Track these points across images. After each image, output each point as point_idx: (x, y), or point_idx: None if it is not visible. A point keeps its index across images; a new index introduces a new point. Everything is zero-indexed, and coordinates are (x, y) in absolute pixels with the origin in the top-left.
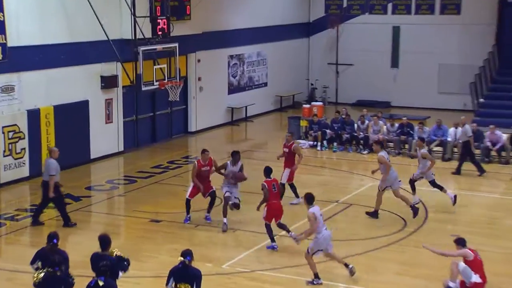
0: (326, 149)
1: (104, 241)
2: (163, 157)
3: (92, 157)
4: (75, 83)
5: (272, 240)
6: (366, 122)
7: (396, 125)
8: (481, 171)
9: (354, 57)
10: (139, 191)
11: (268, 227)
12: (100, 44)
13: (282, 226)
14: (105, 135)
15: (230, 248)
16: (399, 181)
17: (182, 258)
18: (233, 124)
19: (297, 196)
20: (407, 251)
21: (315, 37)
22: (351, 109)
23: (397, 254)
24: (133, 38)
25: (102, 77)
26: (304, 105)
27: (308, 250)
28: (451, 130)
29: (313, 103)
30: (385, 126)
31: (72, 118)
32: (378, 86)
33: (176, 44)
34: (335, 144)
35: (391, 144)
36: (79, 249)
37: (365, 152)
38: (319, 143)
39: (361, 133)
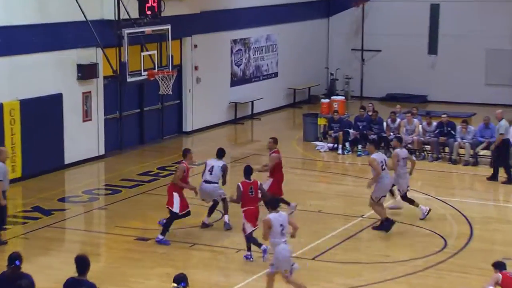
0: (349, 153)
1: (82, 263)
2: (152, 162)
3: (66, 162)
4: (46, 73)
5: (259, 246)
6: (398, 120)
7: (434, 124)
8: (494, 177)
9: (383, 42)
10: (123, 203)
11: (250, 236)
12: (76, 25)
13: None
14: (83, 136)
15: (232, 272)
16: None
17: (175, 285)
18: (236, 122)
19: (287, 203)
20: (446, 277)
21: (336, 17)
22: (379, 104)
23: (434, 280)
24: (117, 18)
25: (78, 65)
26: (323, 100)
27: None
28: None
29: (334, 97)
30: (420, 125)
31: (43, 115)
32: (412, 77)
33: (169, 26)
34: (359, 146)
35: (428, 147)
36: (50, 273)
37: None
38: (340, 146)
39: (391, 133)
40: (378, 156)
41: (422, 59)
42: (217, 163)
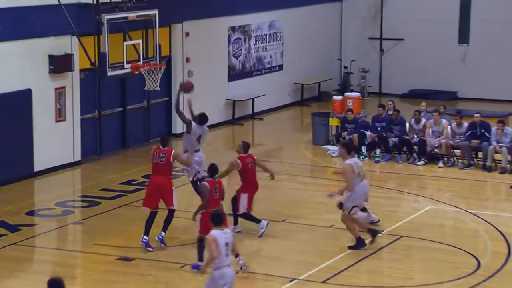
0: (366, 159)
1: (55, 287)
2: (136, 169)
3: (36, 169)
4: (12, 66)
5: (201, 259)
6: (423, 120)
7: (465, 124)
8: None
9: (405, 29)
10: (102, 217)
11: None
12: (48, 10)
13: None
14: (55, 139)
15: None
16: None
17: None
18: (235, 123)
19: (257, 221)
20: None
21: (351, 0)
22: (401, 102)
23: None
24: (95, 2)
25: (50, 56)
26: (335, 97)
27: None
28: None
29: (348, 94)
30: (449, 127)
31: (8, 114)
32: (439, 70)
33: (156, 11)
34: (378, 151)
35: (458, 152)
36: None
37: (421, 162)
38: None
39: (415, 136)
40: (353, 162)
41: (451, 49)
42: (203, 132)
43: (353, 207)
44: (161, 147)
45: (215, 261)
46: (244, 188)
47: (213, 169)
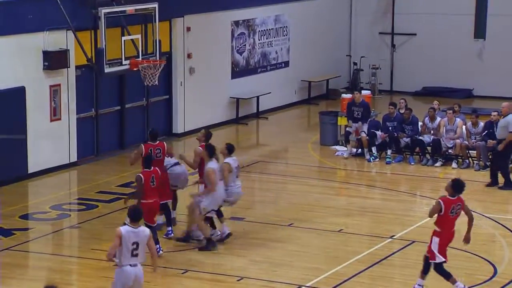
0: (376, 160)
1: None
2: (135, 171)
3: (30, 170)
4: (5, 62)
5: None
6: (437, 119)
7: (481, 124)
8: (495, 183)
9: (418, 24)
10: (100, 221)
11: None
12: (42, 3)
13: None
14: (50, 139)
15: None
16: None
17: None
18: (238, 122)
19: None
20: None
21: None
22: (414, 100)
23: None
24: None
25: (45, 52)
26: (344, 95)
27: None
28: None
29: (358, 92)
30: (464, 126)
31: (0, 113)
32: (454, 67)
33: (155, 5)
34: (389, 152)
35: (473, 153)
36: None
37: (437, 164)
38: (365, 150)
39: (428, 135)
40: (215, 165)
41: (466, 44)
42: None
43: (211, 210)
44: (151, 142)
45: (111, 255)
46: (200, 180)
47: (148, 159)
